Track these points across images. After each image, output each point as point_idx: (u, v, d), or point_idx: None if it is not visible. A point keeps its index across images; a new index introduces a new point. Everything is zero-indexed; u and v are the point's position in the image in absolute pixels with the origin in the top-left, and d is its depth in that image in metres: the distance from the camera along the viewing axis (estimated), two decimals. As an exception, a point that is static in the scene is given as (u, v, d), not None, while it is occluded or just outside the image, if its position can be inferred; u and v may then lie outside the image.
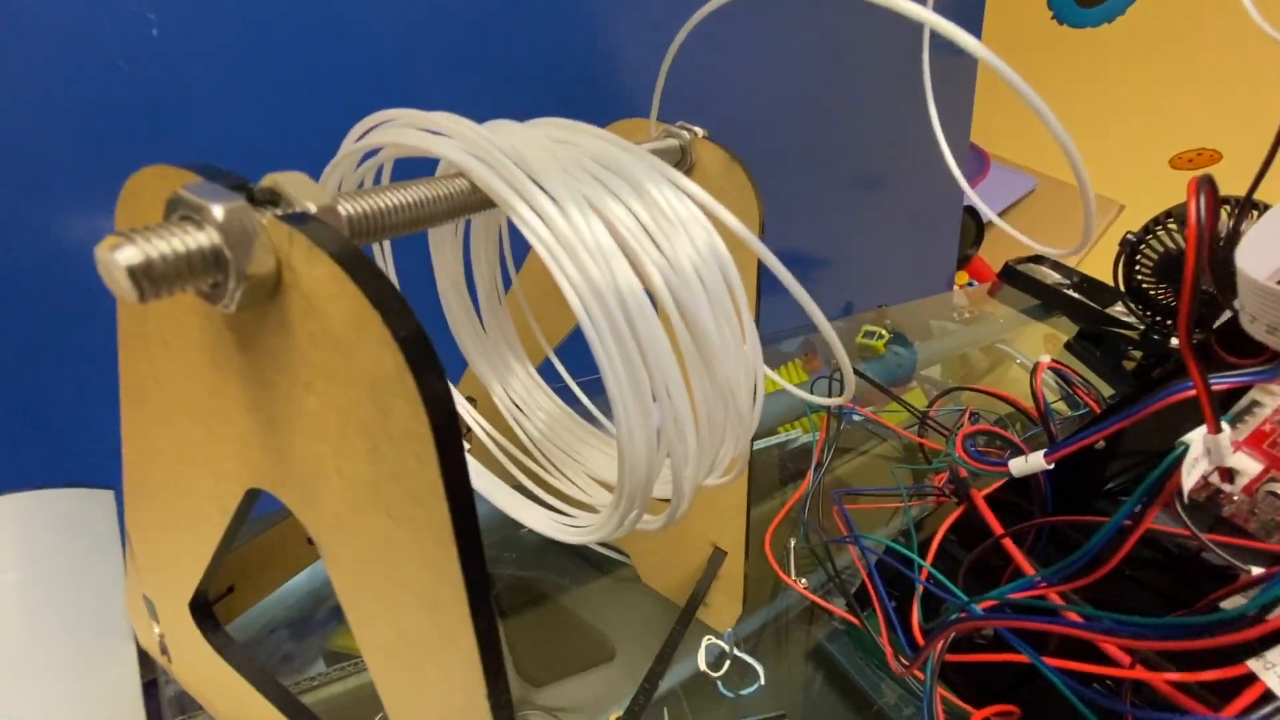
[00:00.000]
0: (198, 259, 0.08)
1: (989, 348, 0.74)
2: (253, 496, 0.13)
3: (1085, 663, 0.20)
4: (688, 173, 0.22)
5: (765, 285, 0.21)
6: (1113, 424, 0.19)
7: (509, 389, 0.21)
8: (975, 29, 1.12)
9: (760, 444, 0.47)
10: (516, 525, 0.36)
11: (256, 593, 0.24)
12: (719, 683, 0.28)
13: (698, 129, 0.22)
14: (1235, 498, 0.19)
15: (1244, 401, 0.19)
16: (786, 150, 0.73)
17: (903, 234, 0.99)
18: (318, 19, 0.34)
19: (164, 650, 0.22)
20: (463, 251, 0.21)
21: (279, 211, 0.09)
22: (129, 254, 0.08)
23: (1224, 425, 0.17)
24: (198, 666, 0.21)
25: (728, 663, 0.28)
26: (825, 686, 0.30)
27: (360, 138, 0.14)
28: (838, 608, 0.30)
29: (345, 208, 0.10)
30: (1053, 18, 1.28)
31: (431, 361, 0.09)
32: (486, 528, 0.33)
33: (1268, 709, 0.18)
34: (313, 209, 0.09)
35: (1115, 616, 0.16)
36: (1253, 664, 0.18)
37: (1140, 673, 0.19)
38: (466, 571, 0.10)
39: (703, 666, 0.28)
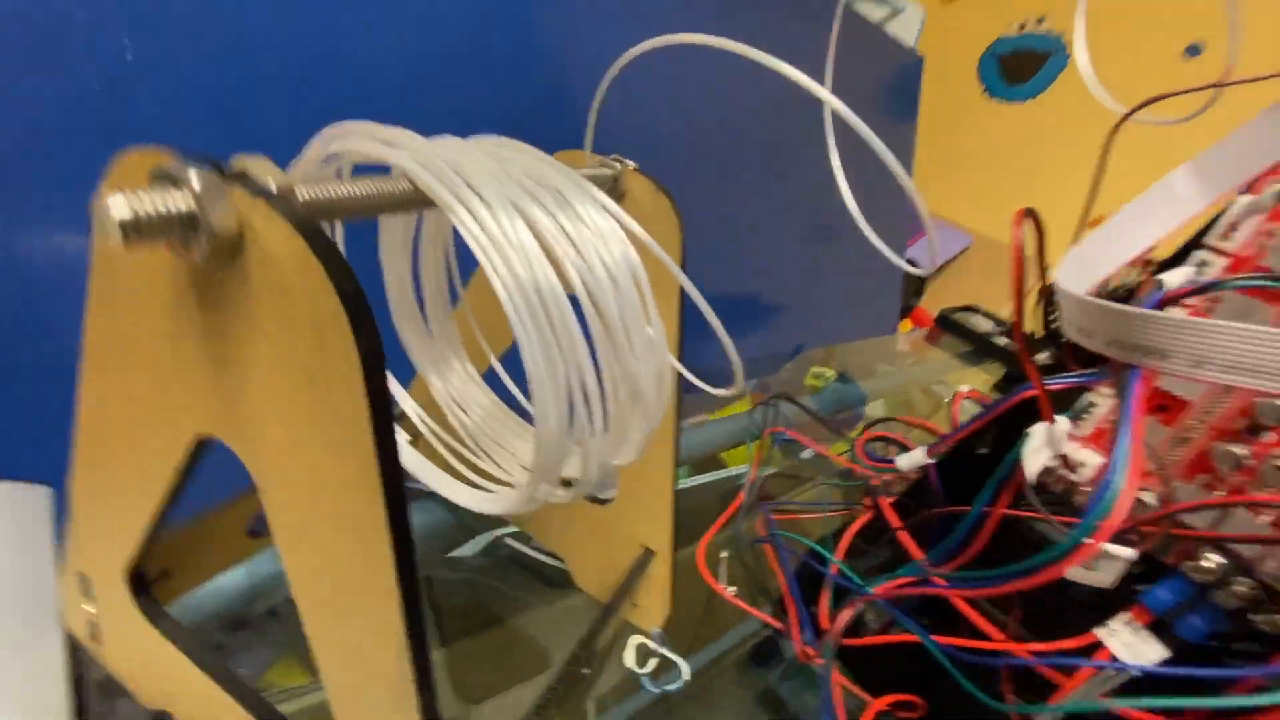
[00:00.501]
0: (175, 217, 0.11)
1: (928, 389, 0.78)
2: (199, 449, 0.15)
3: (971, 641, 0.22)
4: (619, 199, 0.24)
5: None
6: (974, 422, 0.22)
7: (448, 384, 0.23)
8: (912, 103, 1.22)
9: (709, 477, 0.49)
10: (460, 540, 0.37)
11: (192, 579, 0.24)
12: (644, 679, 0.29)
13: (629, 162, 0.24)
14: (1084, 489, 0.22)
15: (1083, 401, 0.22)
16: (743, 204, 0.78)
17: (849, 283, 1.05)
18: (287, 48, 0.37)
19: (94, 635, 0.23)
20: (411, 262, 0.23)
21: (245, 185, 0.11)
22: (121, 208, 0.10)
23: (1060, 418, 0.20)
24: (129, 645, 0.21)
25: (654, 660, 0.30)
26: (749, 682, 0.31)
27: (324, 144, 0.16)
28: (763, 613, 0.32)
29: (301, 190, 0.13)
30: (984, 92, 1.41)
31: (364, 306, 0.11)
32: (435, 534, 0.34)
33: (1110, 669, 0.20)
34: (273, 186, 0.11)
35: (961, 575, 0.18)
36: (1098, 631, 0.21)
37: (1009, 644, 0.22)
38: (387, 493, 0.12)
39: (630, 664, 0.30)
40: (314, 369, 0.12)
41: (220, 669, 0.19)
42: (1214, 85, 0.19)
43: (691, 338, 0.25)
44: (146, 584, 0.20)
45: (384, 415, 0.12)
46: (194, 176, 0.11)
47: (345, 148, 0.17)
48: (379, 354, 0.11)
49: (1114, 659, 0.20)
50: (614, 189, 0.24)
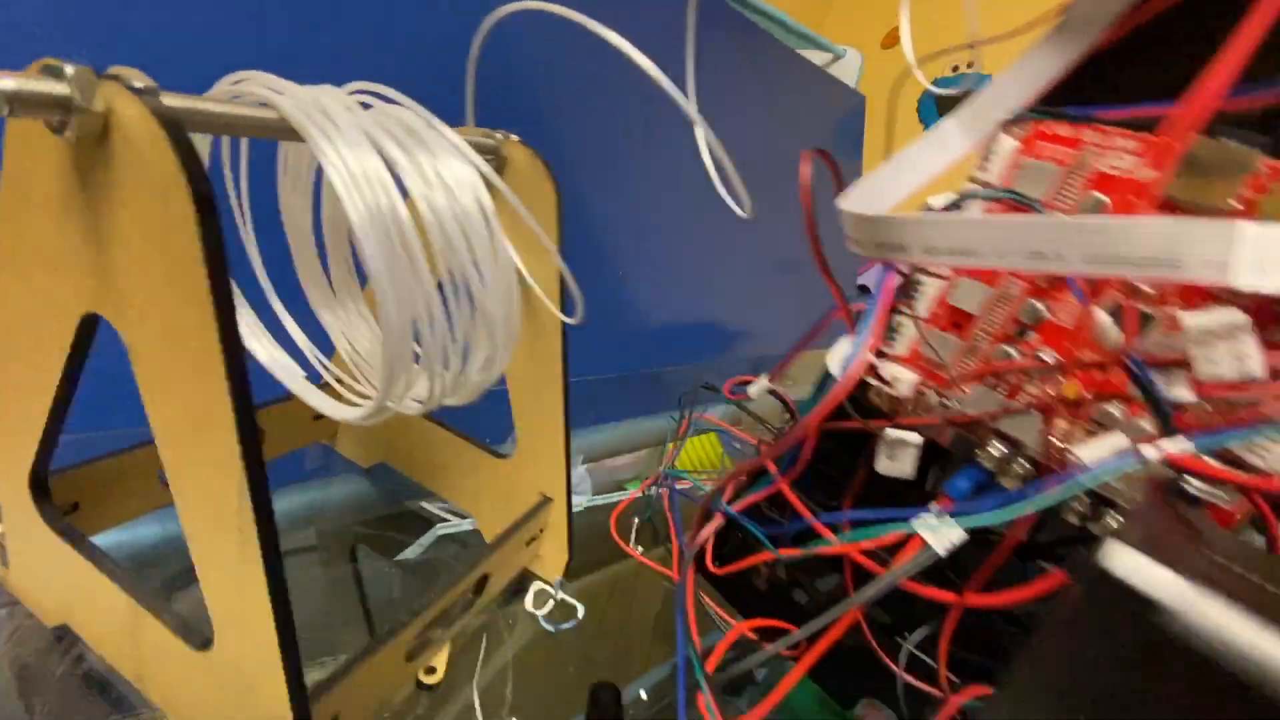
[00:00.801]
0: (51, 97, 0.13)
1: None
2: (85, 329, 0.17)
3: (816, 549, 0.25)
4: (501, 166, 0.28)
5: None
6: (795, 346, 0.25)
7: (338, 319, 0.26)
8: (858, 140, 1.30)
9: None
10: (380, 509, 0.38)
11: (101, 515, 0.26)
12: (540, 617, 0.31)
13: (513, 135, 0.28)
14: (905, 401, 0.25)
15: (893, 321, 0.25)
16: (703, 232, 0.84)
17: (802, 312, 1.10)
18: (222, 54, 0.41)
19: (4, 560, 0.24)
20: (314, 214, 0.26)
21: (115, 80, 0.14)
22: (6, 82, 0.13)
23: (867, 333, 0.23)
24: (32, 558, 0.23)
25: (551, 602, 0.32)
26: (642, 623, 0.33)
27: (226, 86, 0.20)
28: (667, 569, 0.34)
29: (167, 97, 0.16)
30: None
31: (201, 172, 0.14)
32: (356, 504, 0.35)
33: (922, 555, 0.23)
34: (138, 84, 0.14)
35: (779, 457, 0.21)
36: (912, 521, 0.23)
37: (842, 548, 0.24)
38: (223, 334, 0.15)
39: (529, 607, 0.31)
40: (163, 225, 0.14)
41: (117, 569, 0.21)
42: (967, 46, 0.23)
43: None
44: (48, 492, 0.22)
45: (219, 264, 0.14)
46: (69, 68, 0.14)
47: (242, 89, 0.20)
48: (214, 209, 0.14)
49: (924, 544, 0.23)
50: (496, 157, 0.28)
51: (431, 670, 0.26)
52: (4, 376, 0.20)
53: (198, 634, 0.19)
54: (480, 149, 0.27)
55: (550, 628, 0.31)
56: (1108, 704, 0.10)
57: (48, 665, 0.23)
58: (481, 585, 0.28)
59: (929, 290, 0.24)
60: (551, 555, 0.33)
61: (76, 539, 0.21)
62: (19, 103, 0.13)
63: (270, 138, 0.19)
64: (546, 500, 0.32)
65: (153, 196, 0.14)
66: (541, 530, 0.32)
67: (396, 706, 0.25)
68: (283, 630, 0.17)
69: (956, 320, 0.24)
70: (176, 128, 0.14)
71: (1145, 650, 0.10)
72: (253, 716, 0.18)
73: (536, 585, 0.32)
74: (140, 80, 0.15)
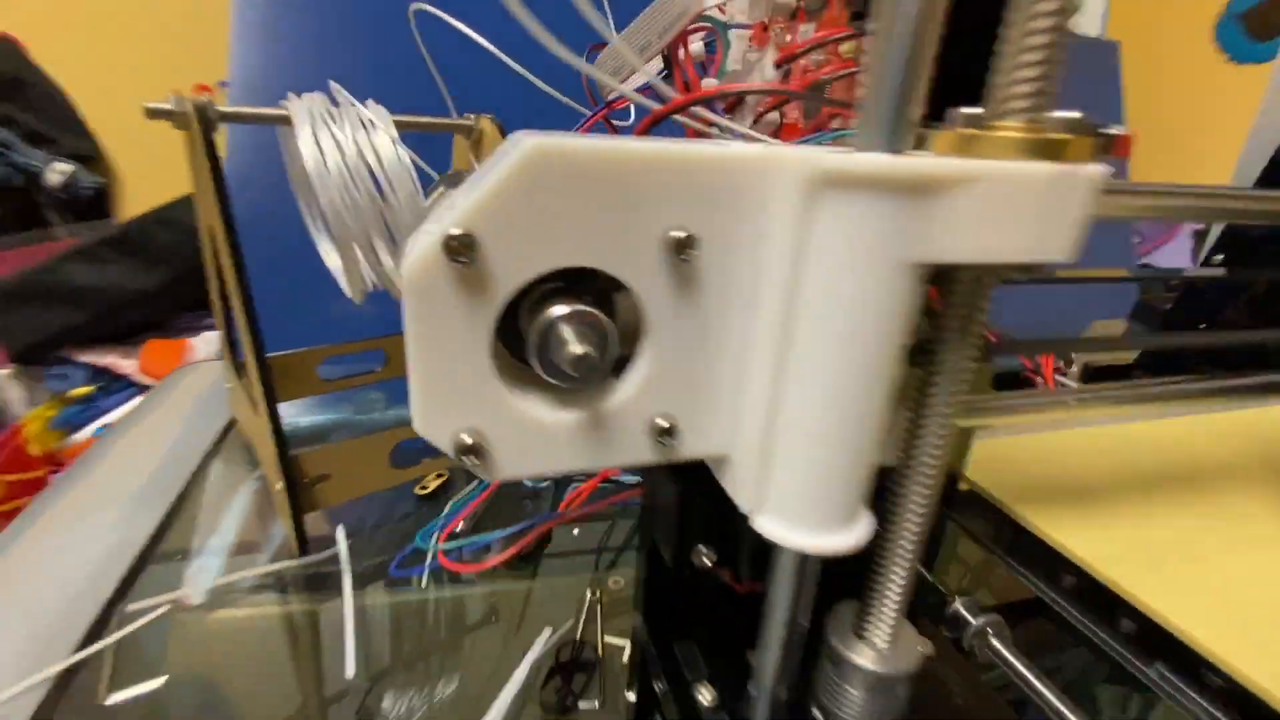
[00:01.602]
0: (165, 109, 0.29)
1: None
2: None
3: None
4: (479, 138, 0.39)
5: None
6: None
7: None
8: (1116, 88, 1.11)
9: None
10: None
11: (345, 485, 0.34)
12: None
13: (486, 115, 0.39)
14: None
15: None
16: None
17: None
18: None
19: (236, 401, 0.43)
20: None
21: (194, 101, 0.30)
22: (152, 105, 0.29)
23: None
24: (240, 406, 0.41)
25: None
26: None
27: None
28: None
29: (217, 106, 0.31)
30: (1229, 60, 1.17)
31: (209, 129, 0.28)
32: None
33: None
34: (203, 99, 0.30)
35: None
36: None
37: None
38: (223, 216, 0.28)
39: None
40: (204, 168, 0.29)
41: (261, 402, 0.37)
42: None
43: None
44: (240, 365, 0.39)
45: (220, 181, 0.28)
46: (172, 98, 0.30)
47: (291, 101, 0.35)
48: (214, 154, 0.28)
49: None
50: (473, 132, 0.39)
51: (425, 487, 0.37)
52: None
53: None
54: (460, 127, 0.39)
55: (529, 484, 0.39)
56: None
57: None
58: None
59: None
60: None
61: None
62: (154, 113, 0.29)
63: (279, 124, 0.33)
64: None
65: (199, 151, 0.29)
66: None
67: (395, 504, 0.37)
68: (270, 408, 0.30)
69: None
70: (203, 113, 0.29)
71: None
72: (271, 451, 0.31)
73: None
74: (209, 97, 0.30)
